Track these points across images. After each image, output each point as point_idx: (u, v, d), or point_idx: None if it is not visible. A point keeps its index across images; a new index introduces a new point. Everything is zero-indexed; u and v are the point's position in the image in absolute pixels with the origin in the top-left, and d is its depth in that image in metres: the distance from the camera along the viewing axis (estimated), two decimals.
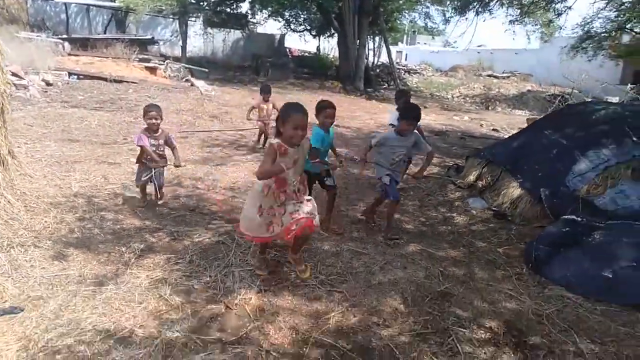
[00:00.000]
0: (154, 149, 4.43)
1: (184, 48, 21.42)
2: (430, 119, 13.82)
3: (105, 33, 21.29)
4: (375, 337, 2.82)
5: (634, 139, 4.61)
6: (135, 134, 7.44)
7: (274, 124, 7.05)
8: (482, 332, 2.96)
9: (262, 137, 7.75)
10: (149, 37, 21.08)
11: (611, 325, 3.11)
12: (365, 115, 13.20)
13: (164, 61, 16.63)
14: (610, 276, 3.52)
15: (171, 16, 21.64)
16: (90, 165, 5.81)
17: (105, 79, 11.76)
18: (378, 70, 25.32)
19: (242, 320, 2.90)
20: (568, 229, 3.90)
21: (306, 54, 28.90)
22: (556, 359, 2.71)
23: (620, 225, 3.91)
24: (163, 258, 3.61)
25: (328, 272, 3.60)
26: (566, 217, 4.02)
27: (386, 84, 23.32)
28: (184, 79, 15.11)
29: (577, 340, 2.89)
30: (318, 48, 29.32)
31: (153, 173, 4.50)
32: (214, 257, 3.67)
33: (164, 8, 18.93)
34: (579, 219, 3.99)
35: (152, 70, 15.10)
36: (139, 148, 4.52)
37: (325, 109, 4.08)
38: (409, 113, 4.27)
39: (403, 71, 28.31)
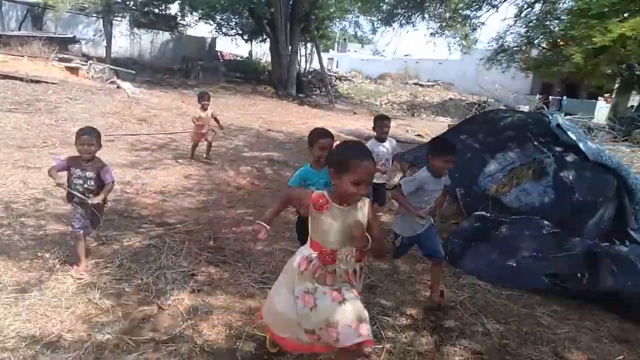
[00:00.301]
0: (81, 181, 3.31)
1: (108, 48, 20.47)
2: (360, 124, 14.33)
3: (20, 30, 19.84)
4: None
5: (535, 143, 5.17)
6: (55, 137, 7.11)
7: (212, 132, 7.05)
8: (404, 318, 3.23)
9: (207, 147, 7.24)
10: (70, 35, 19.93)
11: (514, 307, 3.52)
12: (298, 121, 13.42)
13: (87, 61, 15.83)
14: (514, 265, 3.96)
15: (94, 15, 20.63)
16: (7, 170, 5.49)
17: (21, 79, 11.01)
18: (310, 77, 25.73)
19: (175, 320, 2.95)
20: (479, 224, 4.31)
21: (238, 58, 28.70)
22: (467, 339, 3.02)
23: (523, 220, 4.39)
24: (91, 263, 3.54)
25: (261, 271, 3.73)
26: (477, 213, 4.44)
27: (318, 90, 23.77)
28: (108, 81, 14.49)
29: (485, 322, 3.25)
30: (250, 53, 29.25)
31: (89, 216, 3.42)
32: (145, 261, 3.66)
33: (86, 6, 18.03)
34: (489, 215, 4.43)
35: (74, 70, 14.32)
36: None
37: (321, 138, 3.13)
38: (447, 148, 3.26)
39: (334, 78, 28.99)
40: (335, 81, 27.93)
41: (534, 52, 21.05)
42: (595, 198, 4.76)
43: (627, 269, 3.74)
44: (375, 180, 4.29)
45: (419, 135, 13.21)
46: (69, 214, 3.49)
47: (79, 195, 3.31)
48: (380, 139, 4.73)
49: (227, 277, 3.56)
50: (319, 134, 3.17)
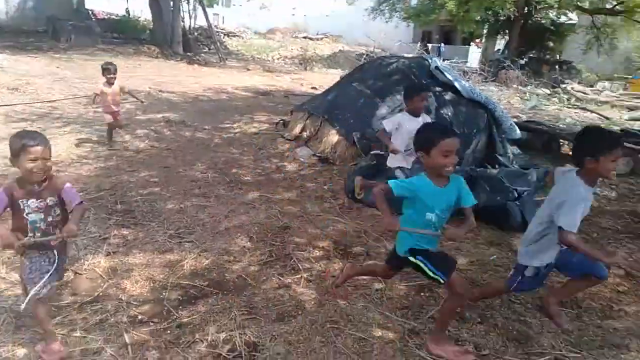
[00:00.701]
0: (41, 216, 2.16)
1: None
2: (254, 80, 14.24)
3: None
4: (228, 272, 3.18)
5: None
6: None
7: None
8: (317, 251, 3.55)
9: (113, 131, 6.06)
10: None
11: None
12: (189, 80, 12.95)
13: None
14: None
15: None
16: None
17: None
18: (197, 34, 24.52)
19: (95, 282, 2.96)
20: (374, 162, 4.73)
21: (113, 16, 26.26)
22: (372, 260, 3.43)
23: (411, 152, 4.90)
24: None
25: (176, 227, 3.79)
26: (373, 152, 4.86)
27: (207, 48, 22.82)
28: None
29: (386, 244, 3.69)
30: (127, 10, 26.89)
31: (53, 268, 2.22)
32: None
33: None
34: (383, 152, 4.87)
35: None
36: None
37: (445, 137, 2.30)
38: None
39: (222, 34, 27.93)
40: (223, 38, 26.95)
41: (414, 2, 22.18)
42: (470, 130, 5.46)
43: (497, 187, 4.41)
44: (405, 164, 4.02)
45: (313, 87, 13.51)
46: (21, 271, 2.26)
47: (44, 239, 2.13)
48: (417, 113, 3.93)
49: (142, 237, 3.59)
50: (442, 132, 2.26)
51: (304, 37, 29.85)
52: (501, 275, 3.29)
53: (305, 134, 6.29)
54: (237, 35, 29.39)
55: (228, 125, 7.62)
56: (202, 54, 20.74)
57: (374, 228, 4.00)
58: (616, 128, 9.40)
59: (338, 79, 11.55)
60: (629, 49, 23.84)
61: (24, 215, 2.12)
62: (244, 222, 3.96)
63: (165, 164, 5.45)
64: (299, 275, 3.15)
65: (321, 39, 29.60)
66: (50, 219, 2.18)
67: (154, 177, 4.96)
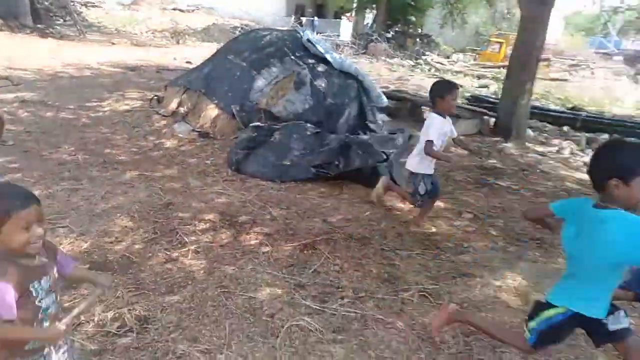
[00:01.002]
0: (52, 297, 1.49)
1: None
2: (122, 55, 13.23)
3: None
4: (110, 253, 3.09)
5: (292, 57, 5.88)
6: None
7: None
8: (203, 224, 3.60)
9: None
10: None
11: (292, 195, 4.26)
12: (45, 55, 11.60)
13: None
14: (289, 163, 4.68)
15: None
16: None
17: None
18: (48, 3, 21.79)
19: None
20: (256, 134, 4.85)
21: None
22: (259, 227, 3.59)
23: (291, 126, 5.10)
24: None
25: (46, 213, 3.53)
26: (252, 124, 4.97)
27: (61, 19, 20.44)
28: None
29: (271, 211, 3.87)
30: None
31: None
32: None
33: None
34: (262, 124, 5.00)
35: None
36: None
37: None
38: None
39: (79, 5, 25.19)
40: (80, 8, 24.33)
41: None
42: (342, 100, 5.81)
43: (368, 150, 4.81)
44: (429, 171, 3.64)
45: (188, 62, 13.00)
46: None
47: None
48: (446, 113, 3.52)
49: None
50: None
51: (174, 9, 28.19)
52: (373, 229, 3.69)
53: (182, 110, 6.13)
54: (96, 6, 26.70)
55: (95, 104, 7.07)
56: (57, 27, 18.57)
57: (259, 197, 4.14)
58: (468, 94, 10.67)
59: (214, 52, 11.32)
60: (478, 23, 26.76)
61: (36, 302, 1.41)
62: (123, 203, 3.83)
63: (25, 147, 4.95)
64: (186, 249, 3.19)
65: (193, 11, 28.22)
66: (58, 297, 1.54)
67: (12, 162, 4.49)
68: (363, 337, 2.44)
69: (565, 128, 8.36)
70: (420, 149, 3.51)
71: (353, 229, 3.67)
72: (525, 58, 7.15)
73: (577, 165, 6.31)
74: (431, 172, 3.62)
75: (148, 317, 2.47)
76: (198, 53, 15.51)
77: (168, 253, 3.14)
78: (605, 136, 7.79)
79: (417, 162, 3.58)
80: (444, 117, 3.48)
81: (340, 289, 2.85)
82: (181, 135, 5.66)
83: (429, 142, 3.39)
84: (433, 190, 3.69)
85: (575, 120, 8.51)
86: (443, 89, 3.44)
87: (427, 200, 3.74)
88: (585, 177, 5.87)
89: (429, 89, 3.53)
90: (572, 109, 9.89)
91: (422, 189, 3.59)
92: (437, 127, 3.43)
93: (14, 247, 1.36)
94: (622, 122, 8.70)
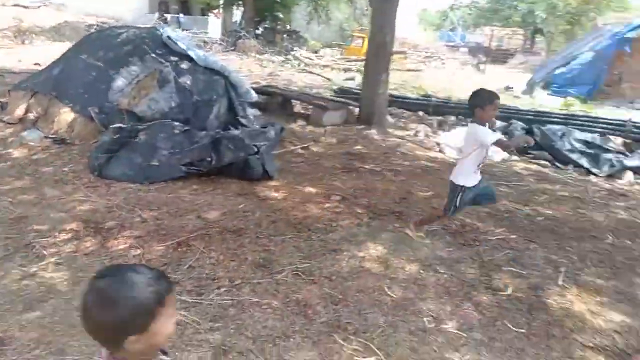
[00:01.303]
0: None
1: None
2: None
3: None
4: None
5: (153, 55, 5.68)
6: None
7: None
8: (64, 234, 3.36)
9: None
10: None
11: (163, 196, 4.17)
12: None
13: None
14: (157, 163, 4.55)
15: None
16: None
17: None
18: None
19: None
20: (118, 136, 4.62)
21: None
22: (128, 230, 3.46)
23: (157, 125, 4.95)
24: None
25: None
26: (113, 126, 4.72)
27: None
28: None
29: (141, 213, 3.75)
30: None
31: None
32: None
33: None
34: (125, 126, 4.78)
35: None
36: None
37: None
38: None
39: None
40: None
41: None
42: (210, 97, 5.78)
43: (239, 145, 4.88)
44: (476, 182, 3.49)
45: (36, 64, 11.73)
46: None
47: None
48: (485, 122, 3.34)
49: None
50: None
51: (15, 5, 25.00)
52: (248, 219, 3.79)
53: (31, 115, 5.56)
54: None
55: None
56: None
57: (127, 200, 3.98)
58: (335, 87, 11.24)
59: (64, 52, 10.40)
60: (342, 20, 28.14)
61: None
62: None
63: None
64: (45, 262, 2.97)
65: (38, 7, 25.31)
66: None
67: None
68: (240, 320, 2.54)
69: (420, 113, 9.27)
70: (462, 161, 3.48)
71: (228, 222, 3.73)
72: (378, 51, 7.78)
73: (430, 146, 7.08)
74: (471, 184, 3.45)
75: (3, 338, 2.28)
76: (48, 54, 14.05)
77: (24, 269, 2.89)
78: (453, 118, 8.82)
79: (457, 173, 3.45)
80: (484, 127, 3.30)
81: (216, 280, 2.91)
82: (32, 144, 5.15)
83: (497, 142, 3.27)
84: (483, 198, 3.67)
85: (428, 106, 9.48)
86: (484, 100, 3.30)
87: (454, 214, 3.63)
88: (437, 155, 6.65)
89: (468, 99, 3.36)
90: (425, 96, 10.97)
91: (458, 202, 3.45)
92: (483, 131, 3.25)
93: (159, 342, 1.10)
94: (464, 105, 9.91)
